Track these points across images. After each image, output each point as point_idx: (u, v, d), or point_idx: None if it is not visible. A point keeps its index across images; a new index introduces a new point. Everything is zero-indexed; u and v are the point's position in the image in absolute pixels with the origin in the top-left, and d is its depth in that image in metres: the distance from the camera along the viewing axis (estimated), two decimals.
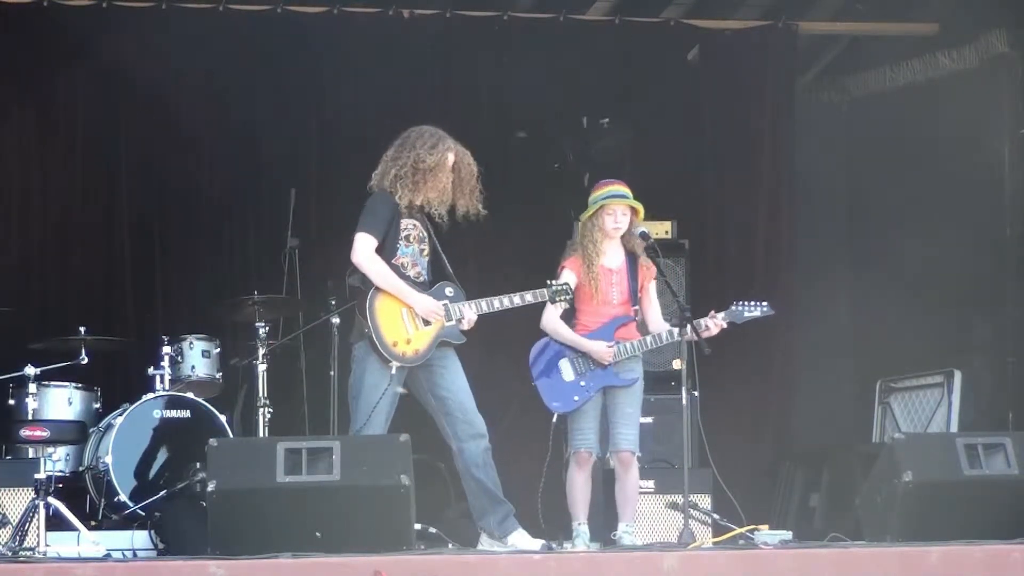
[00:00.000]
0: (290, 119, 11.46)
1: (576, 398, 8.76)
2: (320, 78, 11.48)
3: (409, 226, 8.58)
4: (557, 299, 8.76)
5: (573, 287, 8.82)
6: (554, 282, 8.78)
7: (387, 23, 11.47)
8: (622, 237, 8.90)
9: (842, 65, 12.77)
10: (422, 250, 8.63)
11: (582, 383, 8.77)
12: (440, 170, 8.55)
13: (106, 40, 11.02)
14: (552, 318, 8.84)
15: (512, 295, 8.67)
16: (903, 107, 12.14)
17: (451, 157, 8.59)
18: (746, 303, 8.93)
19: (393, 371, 8.47)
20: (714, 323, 8.80)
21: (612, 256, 8.90)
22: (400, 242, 8.55)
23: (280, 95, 11.43)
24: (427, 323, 8.53)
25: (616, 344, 8.79)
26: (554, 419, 8.90)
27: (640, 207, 8.89)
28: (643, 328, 8.92)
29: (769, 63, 11.97)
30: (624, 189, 8.90)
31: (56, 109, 11.28)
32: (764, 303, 8.98)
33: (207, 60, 11.26)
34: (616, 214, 8.83)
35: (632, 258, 8.90)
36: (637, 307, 8.91)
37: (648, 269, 8.92)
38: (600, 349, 8.75)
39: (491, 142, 11.65)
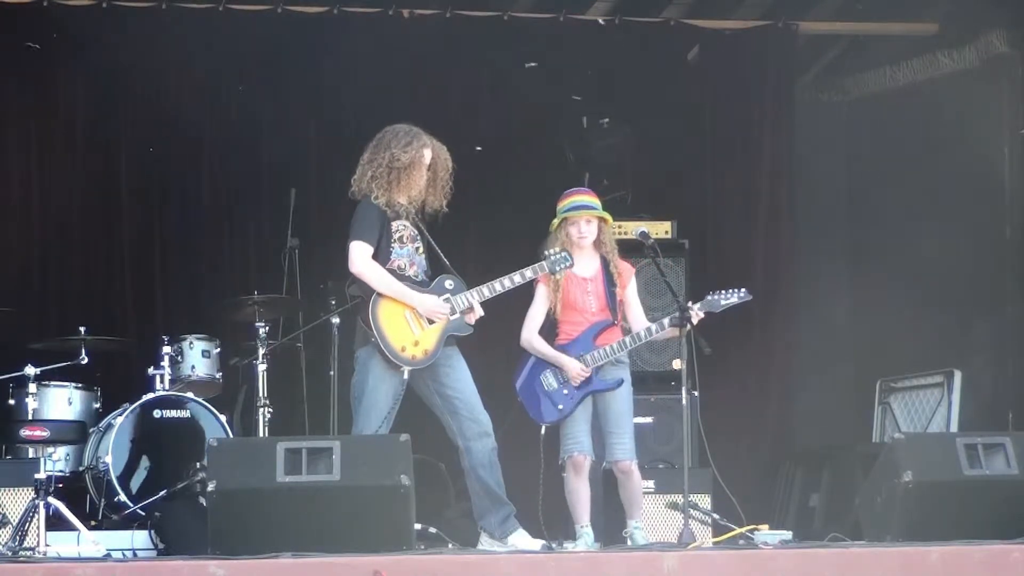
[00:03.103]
0: (290, 119, 11.46)
1: (560, 407, 8.73)
2: (320, 78, 11.48)
3: (400, 227, 8.56)
4: (558, 269, 8.71)
5: (546, 298, 8.78)
6: (551, 252, 8.72)
7: (387, 23, 11.48)
8: (594, 243, 8.86)
9: (842, 65, 12.77)
10: (417, 248, 8.62)
11: (565, 391, 8.74)
12: (415, 168, 8.51)
13: (106, 40, 11.03)
14: (529, 333, 8.81)
15: (512, 275, 8.62)
16: (903, 107, 12.14)
17: (427, 154, 8.55)
18: (722, 292, 8.82)
19: (405, 375, 8.46)
20: (692, 314, 8.74)
21: (585, 265, 8.85)
22: (394, 244, 8.54)
23: (280, 95, 11.43)
24: (431, 321, 8.52)
25: (594, 350, 8.75)
26: (542, 431, 8.87)
27: (607, 216, 8.86)
28: (629, 331, 8.88)
29: (769, 63, 11.98)
30: (588, 199, 8.87)
31: (56, 109, 11.28)
32: (741, 289, 8.85)
33: (207, 60, 11.27)
34: (579, 224, 8.79)
35: (606, 264, 8.87)
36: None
37: (622, 275, 8.85)
38: (572, 369, 8.70)
39: (491, 142, 11.68)
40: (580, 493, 8.76)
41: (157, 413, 9.99)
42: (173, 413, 10.01)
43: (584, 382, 8.72)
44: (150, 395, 10.04)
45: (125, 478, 9.76)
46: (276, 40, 11.34)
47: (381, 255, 8.49)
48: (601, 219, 8.84)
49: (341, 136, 11.15)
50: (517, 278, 8.64)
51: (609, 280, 8.83)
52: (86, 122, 11.31)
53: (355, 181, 8.62)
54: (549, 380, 8.77)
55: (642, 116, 11.63)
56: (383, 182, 8.50)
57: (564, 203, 8.87)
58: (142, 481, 9.82)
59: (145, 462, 9.87)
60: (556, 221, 8.83)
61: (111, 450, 9.76)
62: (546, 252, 8.72)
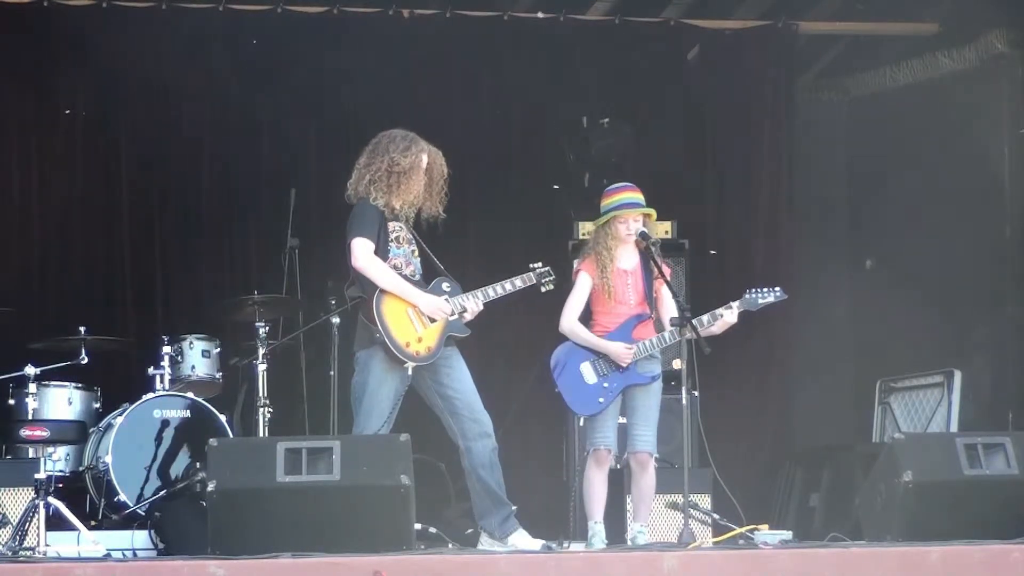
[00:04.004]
0: (290, 119, 11.46)
1: (601, 400, 8.75)
2: (320, 78, 11.47)
3: (396, 228, 8.60)
4: (543, 282, 8.77)
5: (589, 289, 8.83)
6: (537, 265, 8.77)
7: (387, 23, 11.48)
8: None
9: (842, 65, 12.77)
10: (412, 251, 8.66)
11: (605, 384, 8.76)
12: (414, 172, 8.56)
13: (106, 40, 11.02)
14: (570, 321, 8.83)
15: (503, 282, 8.69)
16: (903, 107, 12.14)
17: (424, 158, 8.60)
18: (759, 290, 8.90)
19: (410, 371, 8.48)
20: (729, 312, 8.78)
21: (627, 258, 8.89)
22: (391, 244, 8.56)
23: (280, 95, 11.42)
24: (432, 320, 8.54)
25: (634, 344, 8.79)
26: (580, 423, 8.90)
27: (653, 212, 8.90)
28: (659, 327, 8.90)
29: (769, 63, 11.98)
30: (636, 195, 8.89)
31: (56, 109, 11.28)
32: (777, 288, 8.95)
33: (207, 60, 11.27)
34: (628, 222, 8.83)
35: (645, 258, 8.89)
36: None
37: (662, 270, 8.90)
38: (619, 350, 8.72)
39: (491, 143, 11.68)
40: (598, 487, 8.81)
41: (157, 413, 9.98)
42: (173, 413, 10.00)
43: (623, 375, 8.74)
44: (150, 395, 10.04)
45: (125, 478, 9.75)
46: (276, 40, 11.33)
47: (379, 253, 8.51)
48: (645, 214, 8.87)
49: (341, 136, 11.15)
50: (508, 286, 8.72)
51: (648, 274, 8.86)
52: (86, 122, 11.31)
53: (351, 185, 8.65)
54: (589, 373, 8.78)
55: (642, 116, 11.64)
56: (382, 186, 8.54)
57: (611, 199, 8.89)
58: (142, 481, 9.81)
59: (145, 462, 9.86)
60: (602, 219, 8.85)
61: (111, 450, 9.76)
62: (532, 265, 8.78)
